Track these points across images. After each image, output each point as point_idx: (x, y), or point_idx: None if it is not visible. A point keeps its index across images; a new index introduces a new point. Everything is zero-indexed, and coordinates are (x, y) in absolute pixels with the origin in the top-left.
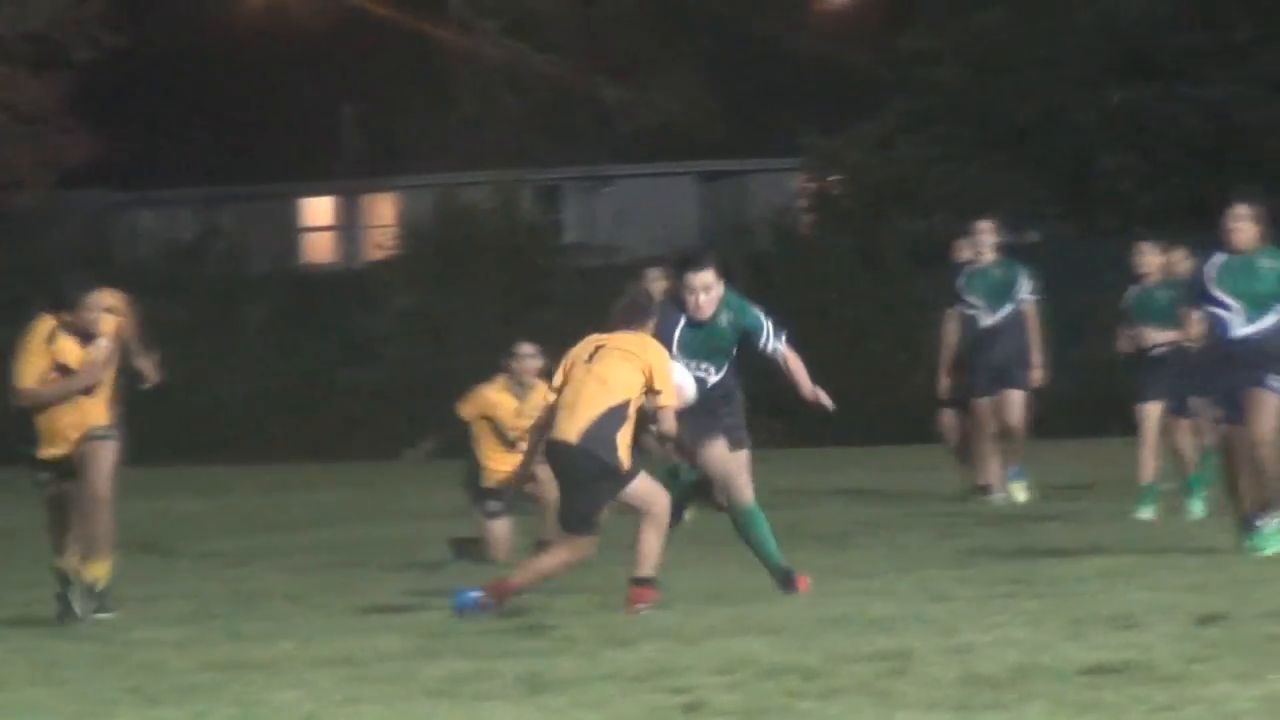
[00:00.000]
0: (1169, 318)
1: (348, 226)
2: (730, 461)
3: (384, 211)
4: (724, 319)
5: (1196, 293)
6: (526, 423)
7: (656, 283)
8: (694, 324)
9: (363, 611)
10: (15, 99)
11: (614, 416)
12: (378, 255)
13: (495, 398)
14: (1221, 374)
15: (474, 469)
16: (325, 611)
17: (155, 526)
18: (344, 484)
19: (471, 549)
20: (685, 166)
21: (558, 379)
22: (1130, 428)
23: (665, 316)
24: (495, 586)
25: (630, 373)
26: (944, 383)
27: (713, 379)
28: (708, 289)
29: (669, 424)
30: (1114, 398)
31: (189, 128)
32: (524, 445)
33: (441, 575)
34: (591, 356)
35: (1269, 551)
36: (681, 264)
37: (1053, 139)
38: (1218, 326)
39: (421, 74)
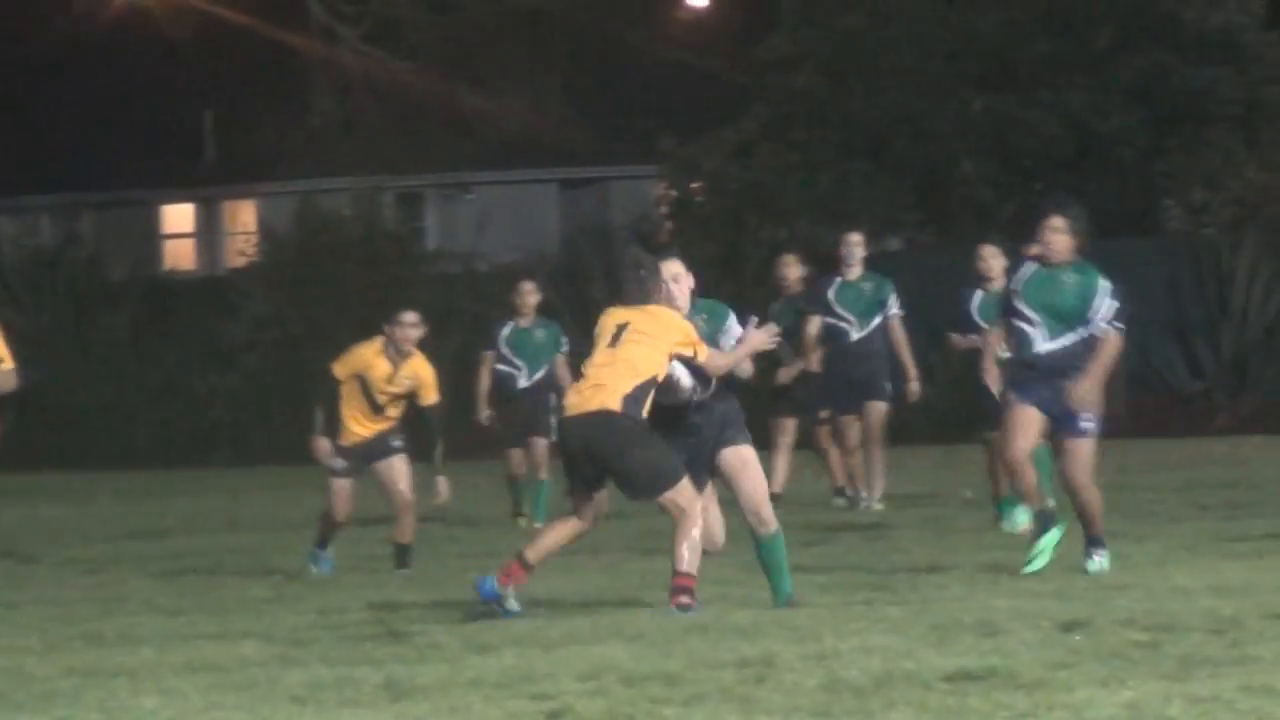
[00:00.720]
0: None
1: (208, 233)
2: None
3: (245, 218)
4: (700, 322)
5: (1004, 304)
6: (396, 389)
7: (530, 296)
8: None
9: (224, 618)
10: None
11: (644, 390)
12: (238, 262)
13: (371, 359)
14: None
15: (333, 425)
16: (187, 618)
17: (15, 533)
18: (203, 491)
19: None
20: (546, 174)
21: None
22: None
23: None
24: (510, 570)
25: (655, 353)
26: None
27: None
28: (676, 279)
29: (717, 371)
30: (972, 405)
31: (49, 134)
32: (392, 411)
33: (302, 583)
34: (616, 338)
35: (1037, 567)
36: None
37: (912, 147)
38: (1020, 341)
39: (282, 81)
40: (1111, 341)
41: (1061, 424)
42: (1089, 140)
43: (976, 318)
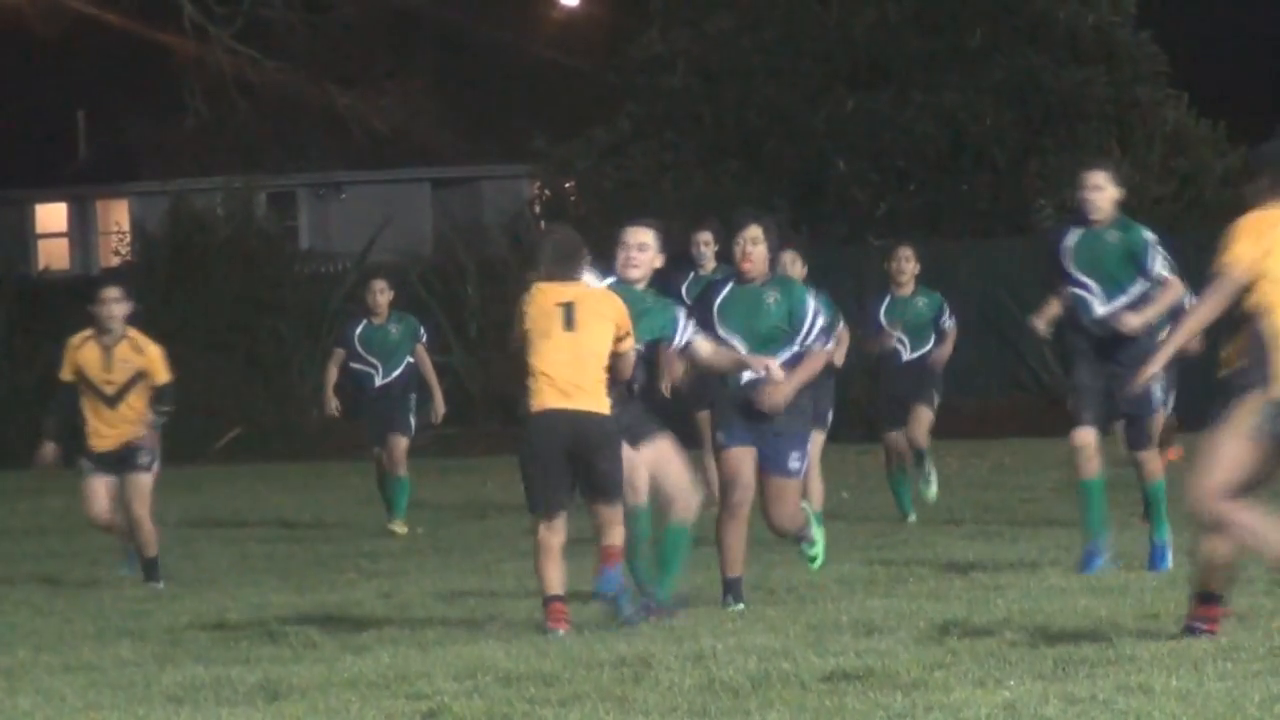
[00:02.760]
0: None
1: (81, 232)
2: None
3: (118, 217)
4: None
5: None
6: (117, 377)
7: (381, 294)
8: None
9: (101, 619)
10: None
11: (604, 379)
12: (112, 261)
13: (82, 350)
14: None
15: (80, 431)
16: (61, 618)
17: None
18: (73, 490)
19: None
20: (418, 173)
21: (526, 339)
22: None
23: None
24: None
25: (608, 337)
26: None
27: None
28: (643, 248)
29: (629, 368)
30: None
31: None
32: (130, 406)
33: (178, 583)
34: (569, 321)
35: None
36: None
37: (786, 147)
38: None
39: (154, 80)
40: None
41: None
42: (962, 140)
43: (883, 320)
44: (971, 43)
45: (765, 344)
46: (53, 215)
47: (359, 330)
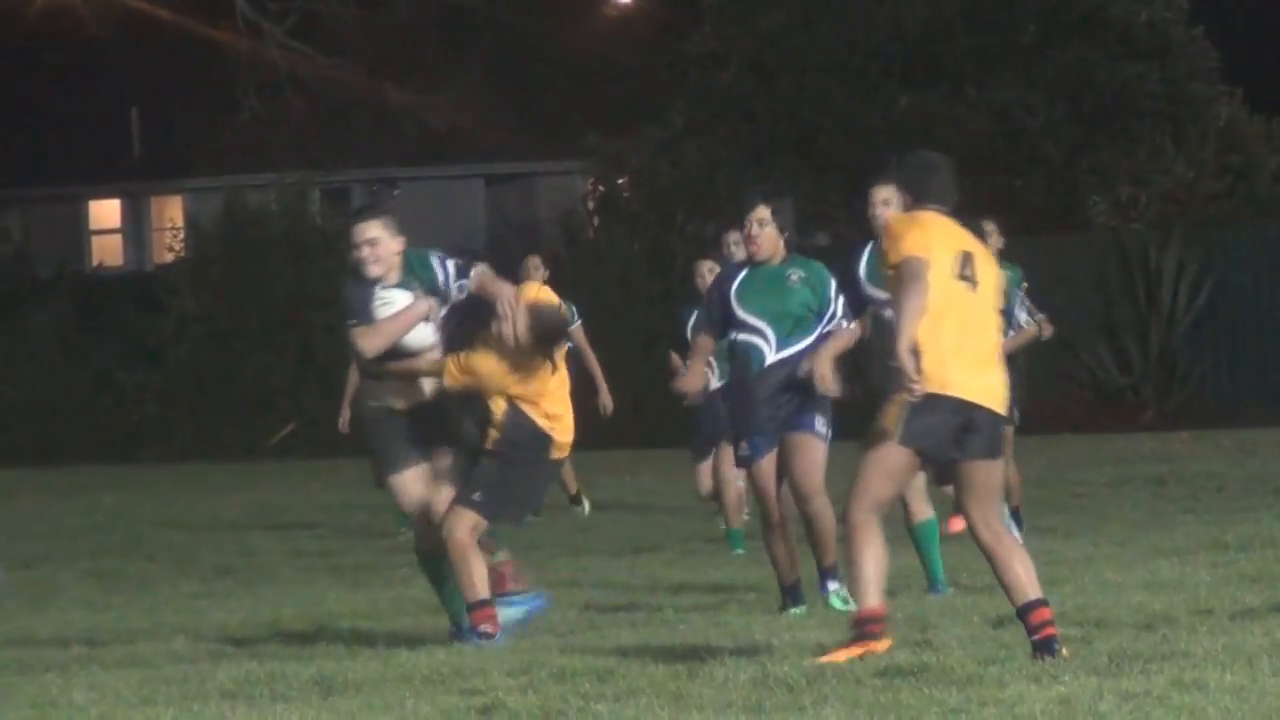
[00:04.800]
0: None
1: (135, 229)
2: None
3: (172, 214)
4: (412, 285)
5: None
6: None
7: (537, 271)
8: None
9: (155, 614)
10: None
11: None
12: (166, 258)
13: None
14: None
15: None
16: (116, 614)
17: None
18: (132, 486)
19: None
20: (472, 169)
21: None
22: None
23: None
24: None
25: None
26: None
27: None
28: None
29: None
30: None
31: None
32: None
33: (233, 579)
34: None
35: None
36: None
37: (838, 142)
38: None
39: (208, 76)
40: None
41: None
42: (1015, 136)
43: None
44: (1024, 38)
45: (795, 325)
46: (107, 212)
47: None
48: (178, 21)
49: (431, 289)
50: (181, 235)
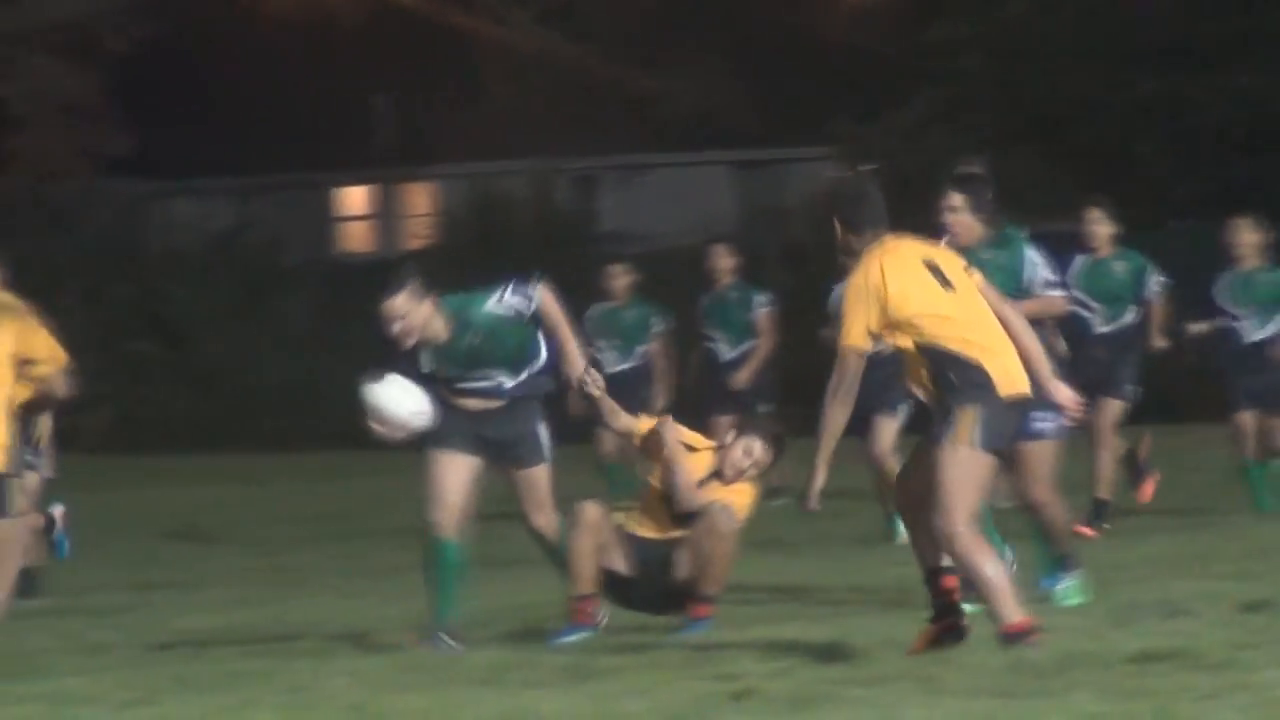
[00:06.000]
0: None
1: (383, 216)
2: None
3: (419, 201)
4: (464, 339)
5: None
6: None
7: (619, 278)
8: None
9: (408, 601)
10: (52, 88)
11: None
12: (414, 244)
13: None
14: None
15: None
16: (371, 599)
17: (194, 514)
18: (384, 472)
19: None
20: (719, 156)
21: None
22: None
23: None
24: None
25: None
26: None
27: (508, 384)
28: (404, 317)
29: None
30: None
31: (224, 117)
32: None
33: (480, 566)
34: None
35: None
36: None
37: (1084, 128)
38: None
39: (454, 64)
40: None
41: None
42: (1263, 121)
43: (1221, 300)
44: (1273, 24)
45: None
46: (355, 199)
47: (594, 314)
48: (426, 8)
49: (490, 329)
50: (430, 223)
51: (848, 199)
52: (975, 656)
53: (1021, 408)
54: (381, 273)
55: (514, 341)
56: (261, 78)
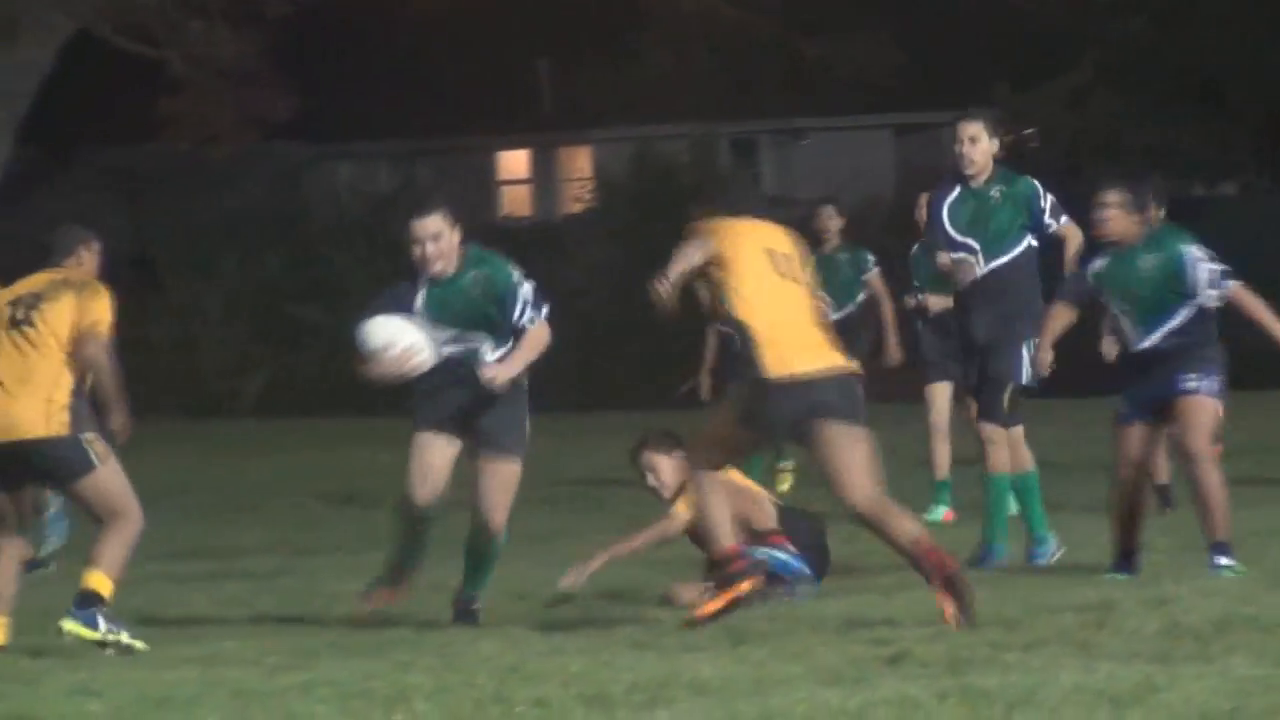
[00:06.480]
0: None
1: (544, 179)
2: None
3: (579, 164)
4: (469, 277)
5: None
6: None
7: (831, 220)
8: (432, 283)
9: (561, 568)
10: (214, 53)
11: None
12: (574, 209)
13: None
14: None
15: None
16: (523, 563)
17: (352, 478)
18: (542, 435)
19: None
20: (880, 120)
21: None
22: None
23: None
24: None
25: None
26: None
27: (489, 355)
28: (436, 238)
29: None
30: None
31: (385, 81)
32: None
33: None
34: None
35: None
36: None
37: (1248, 91)
38: None
39: (616, 27)
40: None
41: None
42: None
43: None
44: None
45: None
46: (516, 162)
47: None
48: None
49: (493, 290)
50: (590, 186)
51: (739, 190)
52: (1131, 620)
53: (794, 390)
54: (541, 236)
55: (503, 315)
56: (423, 41)
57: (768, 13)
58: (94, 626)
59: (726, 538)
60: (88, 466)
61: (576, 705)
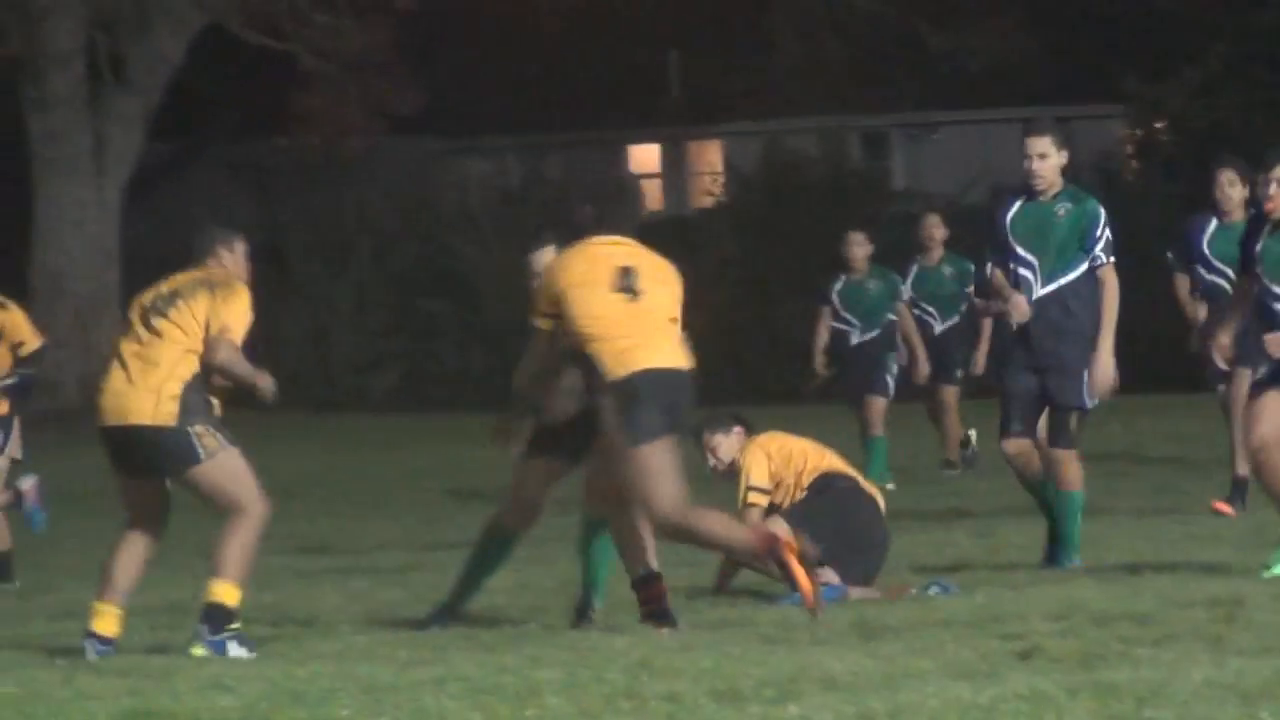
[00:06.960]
0: None
1: (674, 173)
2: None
3: (710, 158)
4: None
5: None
6: None
7: (858, 247)
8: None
9: (690, 568)
10: (342, 47)
11: None
12: (704, 202)
13: None
14: None
15: None
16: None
17: (483, 473)
18: None
19: None
20: (1010, 113)
21: None
22: None
23: None
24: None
25: None
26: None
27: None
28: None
29: None
30: None
31: (515, 74)
32: None
33: None
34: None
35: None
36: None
37: None
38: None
39: (746, 20)
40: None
41: None
42: None
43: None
44: None
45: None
46: (646, 156)
47: (838, 286)
48: None
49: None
50: (721, 180)
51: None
52: (1263, 615)
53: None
54: (671, 229)
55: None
56: (552, 34)
57: (898, 3)
58: (223, 653)
59: (739, 537)
60: (193, 459)
61: (707, 700)
